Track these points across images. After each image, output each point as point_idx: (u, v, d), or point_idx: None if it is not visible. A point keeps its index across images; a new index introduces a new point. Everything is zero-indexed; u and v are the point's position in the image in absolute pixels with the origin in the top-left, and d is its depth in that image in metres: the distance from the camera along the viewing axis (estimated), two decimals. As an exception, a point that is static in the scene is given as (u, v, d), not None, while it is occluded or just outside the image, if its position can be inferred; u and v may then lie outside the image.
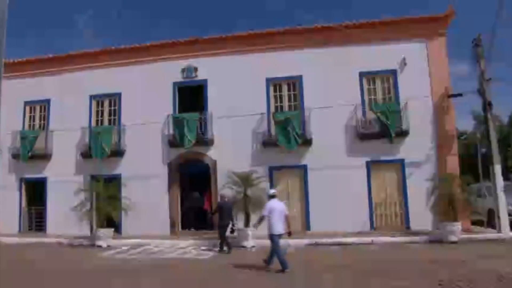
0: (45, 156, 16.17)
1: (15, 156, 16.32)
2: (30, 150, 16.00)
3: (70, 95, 16.25)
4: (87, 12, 56.20)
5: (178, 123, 14.73)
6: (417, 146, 13.73)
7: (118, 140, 15.56)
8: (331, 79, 14.40)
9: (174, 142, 14.90)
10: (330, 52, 14.65)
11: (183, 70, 15.52)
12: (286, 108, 14.85)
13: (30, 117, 17.04)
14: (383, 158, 14.00)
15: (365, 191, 13.93)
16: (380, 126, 13.83)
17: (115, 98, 16.09)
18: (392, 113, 13.72)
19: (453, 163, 13.63)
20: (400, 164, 13.91)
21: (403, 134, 13.78)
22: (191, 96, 16.04)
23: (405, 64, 14.26)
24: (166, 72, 15.49)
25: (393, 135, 13.60)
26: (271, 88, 15.01)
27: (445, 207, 12.13)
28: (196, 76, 15.49)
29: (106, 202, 13.36)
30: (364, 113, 14.29)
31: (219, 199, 12.60)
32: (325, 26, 14.59)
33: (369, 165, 14.06)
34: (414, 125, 13.76)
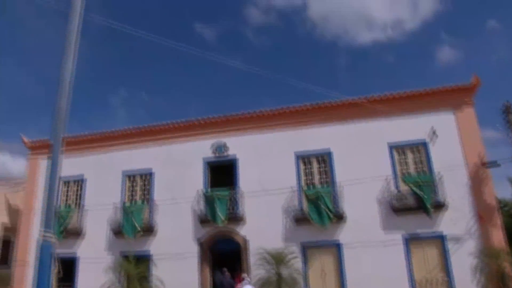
0: (77, 233, 16.34)
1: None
2: (63, 227, 16.23)
3: (103, 172, 16.76)
4: (119, 92, 59.76)
5: (209, 200, 14.79)
6: (457, 219, 13.18)
7: (149, 218, 15.66)
8: (361, 153, 14.38)
9: (205, 219, 14.86)
10: (358, 126, 14.78)
11: (213, 147, 15.90)
12: (316, 182, 14.75)
13: (64, 194, 17.52)
14: (421, 233, 13.43)
15: (405, 268, 13.23)
16: (415, 199, 13.45)
17: (147, 176, 16.45)
18: (426, 185, 13.39)
19: (497, 236, 12.92)
20: (440, 239, 13.28)
21: (440, 206, 13.31)
22: (221, 173, 16.23)
23: (434, 134, 14.15)
24: (197, 150, 15.89)
25: (429, 208, 13.15)
26: (301, 163, 15.08)
27: (495, 286, 11.32)
28: (226, 153, 15.79)
29: (136, 282, 13.15)
30: (397, 186, 14.00)
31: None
32: (351, 101, 14.83)
33: (407, 241, 13.48)
34: (451, 197, 13.33)
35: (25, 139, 18.64)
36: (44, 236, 4.02)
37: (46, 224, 4.15)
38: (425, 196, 13.21)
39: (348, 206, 13.93)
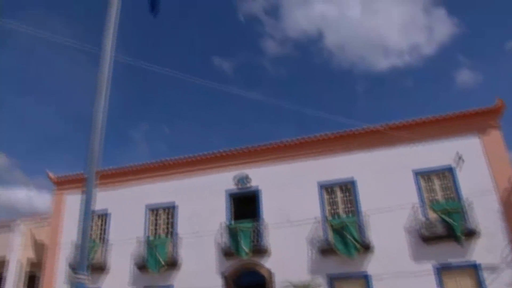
0: (102, 268, 16.32)
1: (71, 266, 16.61)
2: (88, 262, 16.22)
3: (126, 206, 16.88)
4: (140, 127, 61.15)
5: (232, 233, 14.67)
6: (490, 247, 12.67)
7: (173, 251, 15.57)
8: (386, 181, 14.13)
9: (229, 252, 14.69)
10: (381, 153, 14.61)
11: (235, 179, 15.90)
12: (341, 212, 14.50)
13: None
14: (453, 262, 12.93)
15: (438, 301, 12.68)
16: (445, 227, 13.03)
17: (170, 209, 16.48)
18: (455, 212, 12.98)
19: (536, 265, 12.33)
20: (474, 269, 12.73)
21: (472, 234, 12.83)
22: (244, 205, 16.16)
23: (460, 159, 13.83)
24: (219, 182, 15.91)
25: (460, 235, 12.70)
26: (324, 193, 14.90)
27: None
28: (248, 184, 15.75)
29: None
30: (424, 213, 13.63)
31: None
32: (373, 129, 14.73)
33: (439, 271, 12.97)
34: (482, 224, 12.86)
35: (51, 175, 19.04)
36: (77, 278, 4.01)
37: (79, 266, 4.16)
38: (455, 224, 12.80)
39: (375, 235, 13.59)
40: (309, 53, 54.81)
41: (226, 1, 51.96)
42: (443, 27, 50.29)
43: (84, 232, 4.39)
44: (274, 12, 52.78)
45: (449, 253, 12.96)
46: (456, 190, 13.68)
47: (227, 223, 15.28)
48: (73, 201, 17.95)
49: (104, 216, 17.43)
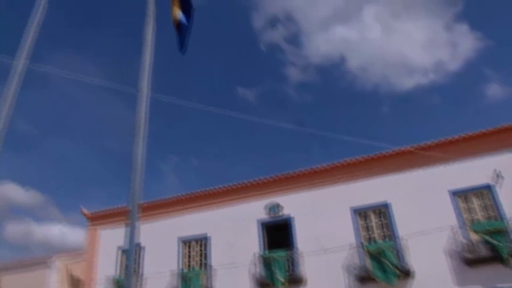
0: (137, 303, 16.31)
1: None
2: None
3: (159, 239, 16.94)
4: (169, 159, 62.13)
5: (266, 263, 14.45)
6: (541, 269, 11.96)
7: (207, 284, 15.42)
8: (421, 202, 13.70)
9: (264, 282, 14.42)
10: (414, 175, 14.25)
11: (267, 208, 15.79)
12: (377, 237, 14.10)
13: (122, 262, 17.78)
14: (501, 286, 12.24)
15: (488, 329, 11.97)
16: (489, 249, 12.44)
17: (203, 240, 16.45)
18: (498, 232, 12.41)
19: None
20: (525, 293, 12.01)
21: (519, 255, 12.19)
22: (277, 234, 15.98)
23: (499, 176, 13.32)
24: (251, 212, 15.83)
25: (507, 257, 12.08)
26: (358, 218, 14.57)
27: None
28: (280, 213, 15.60)
29: None
30: (465, 235, 13.08)
31: None
32: (405, 150, 14.45)
33: (487, 296, 12.30)
34: (530, 244, 12.21)
35: (85, 211, 19.45)
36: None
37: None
38: (500, 245, 12.21)
39: (414, 260, 13.08)
40: (332, 77, 55.03)
41: (248, 32, 53.28)
42: (467, 42, 49.66)
43: (128, 266, 4.44)
44: (294, 39, 53.64)
45: (496, 276, 12.28)
46: (497, 208, 13.12)
47: (261, 253, 15.09)
48: (107, 236, 18.27)
49: (137, 250, 17.54)
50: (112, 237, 17.74)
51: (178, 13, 6.10)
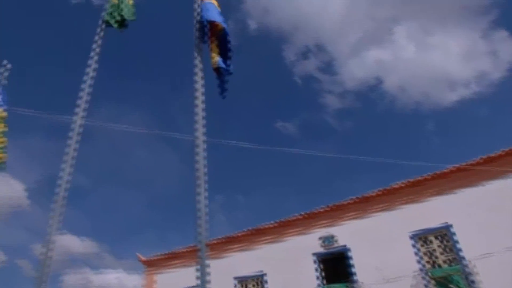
0: None
1: None
2: None
3: (215, 280, 16.79)
4: (216, 199, 62.96)
5: (326, 297, 13.98)
6: None
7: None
8: (486, 221, 12.86)
9: (326, 319, 13.94)
10: (475, 192, 13.51)
11: (321, 240, 15.44)
12: (441, 262, 13.33)
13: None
14: None
15: None
16: None
17: (259, 278, 16.23)
18: None
19: None
20: None
21: None
22: (335, 266, 15.52)
23: None
24: (305, 245, 15.53)
25: None
26: (418, 243, 13.90)
27: None
28: (335, 243, 15.19)
29: None
30: (541, 253, 12.12)
31: None
32: (461, 167, 13.83)
33: None
34: None
35: (141, 257, 19.87)
36: None
37: None
38: None
39: (486, 284, 12.19)
40: (370, 100, 54.34)
41: (281, 66, 54.18)
42: (508, 49, 47.84)
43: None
44: (328, 68, 53.87)
45: None
46: None
47: (319, 287, 14.64)
48: (164, 279, 18.56)
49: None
50: (169, 280, 18.04)
51: (217, 59, 6.24)
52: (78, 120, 6.63)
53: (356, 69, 50.30)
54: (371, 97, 55.04)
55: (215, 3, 6.66)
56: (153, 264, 19.40)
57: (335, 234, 15.22)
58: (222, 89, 6.32)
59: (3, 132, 8.16)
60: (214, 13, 6.23)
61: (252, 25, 50.48)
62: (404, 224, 14.08)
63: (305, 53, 53.98)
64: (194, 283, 15.81)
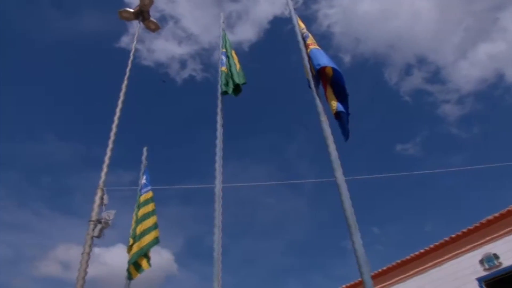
0: None
1: None
2: None
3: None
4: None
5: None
6: None
7: None
8: None
9: None
10: None
11: (482, 262, 13.76)
12: None
13: None
14: None
15: None
16: None
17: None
18: None
19: None
20: None
21: None
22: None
23: None
24: (463, 270, 13.99)
25: None
26: None
27: None
28: (498, 263, 13.39)
29: None
30: None
31: None
32: None
33: None
34: None
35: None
36: None
37: None
38: None
39: None
40: (495, 98, 48.75)
41: (386, 90, 52.29)
42: None
43: None
44: (436, 77, 50.40)
45: None
46: None
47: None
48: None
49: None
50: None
51: (335, 104, 6.33)
52: (218, 186, 7.28)
53: (469, 70, 46.09)
54: (494, 94, 49.23)
55: (318, 47, 6.90)
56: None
57: (497, 253, 13.41)
58: (345, 133, 6.30)
59: (153, 210, 9.07)
60: (323, 58, 6.48)
61: (347, 58, 50.17)
62: None
63: (408, 70, 51.43)
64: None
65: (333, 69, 6.35)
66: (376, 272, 16.63)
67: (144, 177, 9.83)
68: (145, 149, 10.79)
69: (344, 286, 17.98)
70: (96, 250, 6.89)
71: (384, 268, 16.61)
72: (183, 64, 54.13)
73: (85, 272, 6.73)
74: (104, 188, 7.89)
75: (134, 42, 11.57)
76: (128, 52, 11.19)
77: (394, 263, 16.30)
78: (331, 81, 6.38)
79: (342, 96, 6.32)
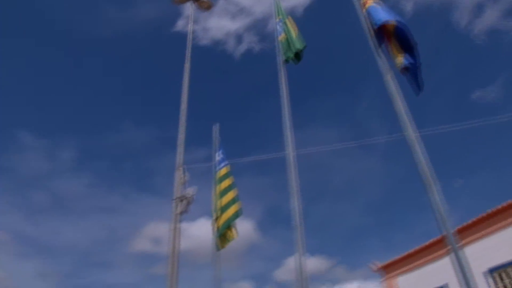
0: None
1: None
2: None
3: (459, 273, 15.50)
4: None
5: None
6: None
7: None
8: None
9: None
10: None
11: None
12: None
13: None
14: None
15: None
16: None
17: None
18: None
19: None
20: None
21: None
22: None
23: None
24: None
25: None
26: None
27: None
28: None
29: None
30: None
31: None
32: None
33: None
34: None
35: (377, 263, 19.95)
36: None
37: None
38: None
39: None
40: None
41: (457, 34, 47.87)
42: None
43: None
44: (515, 10, 44.86)
45: None
46: None
47: None
48: (404, 281, 18.32)
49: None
50: (409, 281, 17.75)
51: (401, 60, 6.02)
52: (291, 153, 7.36)
53: None
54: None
55: (376, 3, 6.53)
56: (392, 268, 19.26)
57: None
58: (417, 85, 5.97)
59: (232, 184, 9.28)
60: (382, 13, 6.15)
61: (409, 5, 46.36)
62: None
63: (479, 9, 46.31)
64: (435, 281, 15.22)
65: (396, 21, 6.00)
66: (460, 226, 15.85)
67: (218, 152, 10.01)
68: (216, 125, 10.95)
69: (427, 242, 17.48)
70: (182, 225, 7.32)
71: (469, 222, 15.76)
72: (239, 38, 53.98)
73: (178, 246, 7.14)
74: (184, 166, 8.28)
75: (191, 24, 11.38)
76: (185, 35, 10.98)
77: (479, 216, 15.41)
78: (395, 34, 6.05)
79: (409, 48, 5.98)
